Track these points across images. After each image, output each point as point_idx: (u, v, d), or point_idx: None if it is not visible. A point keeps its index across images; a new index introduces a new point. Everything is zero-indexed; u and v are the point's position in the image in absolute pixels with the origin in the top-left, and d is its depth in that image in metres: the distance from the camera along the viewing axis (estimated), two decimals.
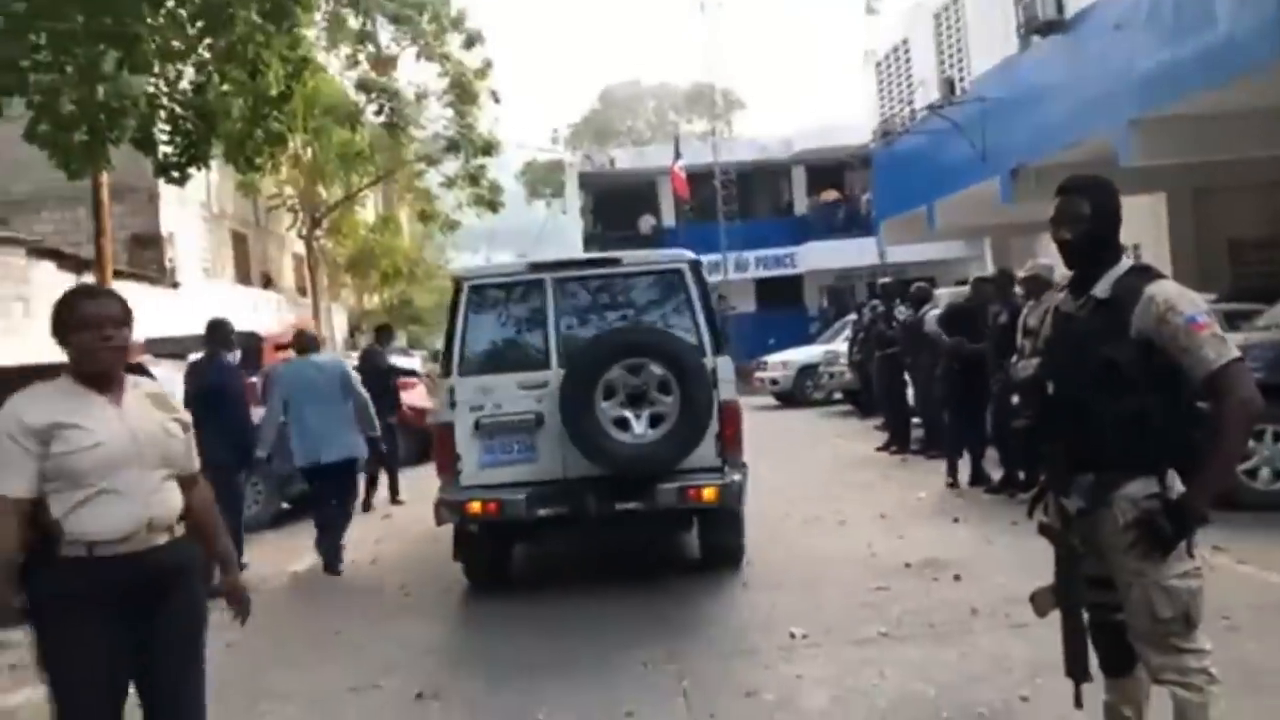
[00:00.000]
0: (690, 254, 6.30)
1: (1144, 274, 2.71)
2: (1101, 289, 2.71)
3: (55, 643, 2.61)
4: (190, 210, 20.18)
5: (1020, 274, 8.07)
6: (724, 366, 5.90)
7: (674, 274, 6.14)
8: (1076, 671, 2.75)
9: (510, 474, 5.82)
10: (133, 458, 2.67)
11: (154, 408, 2.84)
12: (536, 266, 6.30)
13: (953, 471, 8.90)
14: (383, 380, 10.27)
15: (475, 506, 5.72)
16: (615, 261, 6.25)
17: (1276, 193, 14.14)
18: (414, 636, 5.47)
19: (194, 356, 7.97)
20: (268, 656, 5.29)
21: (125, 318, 2.84)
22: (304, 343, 7.96)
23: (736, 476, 5.83)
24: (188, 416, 2.96)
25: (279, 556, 8.17)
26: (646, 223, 30.34)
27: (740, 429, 5.97)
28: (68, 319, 2.80)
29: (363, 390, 7.84)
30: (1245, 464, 6.80)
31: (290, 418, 7.49)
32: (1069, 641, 2.74)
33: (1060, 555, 2.74)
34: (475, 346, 6.16)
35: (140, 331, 12.06)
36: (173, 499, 2.80)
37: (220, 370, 7.23)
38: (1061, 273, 7.74)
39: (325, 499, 7.67)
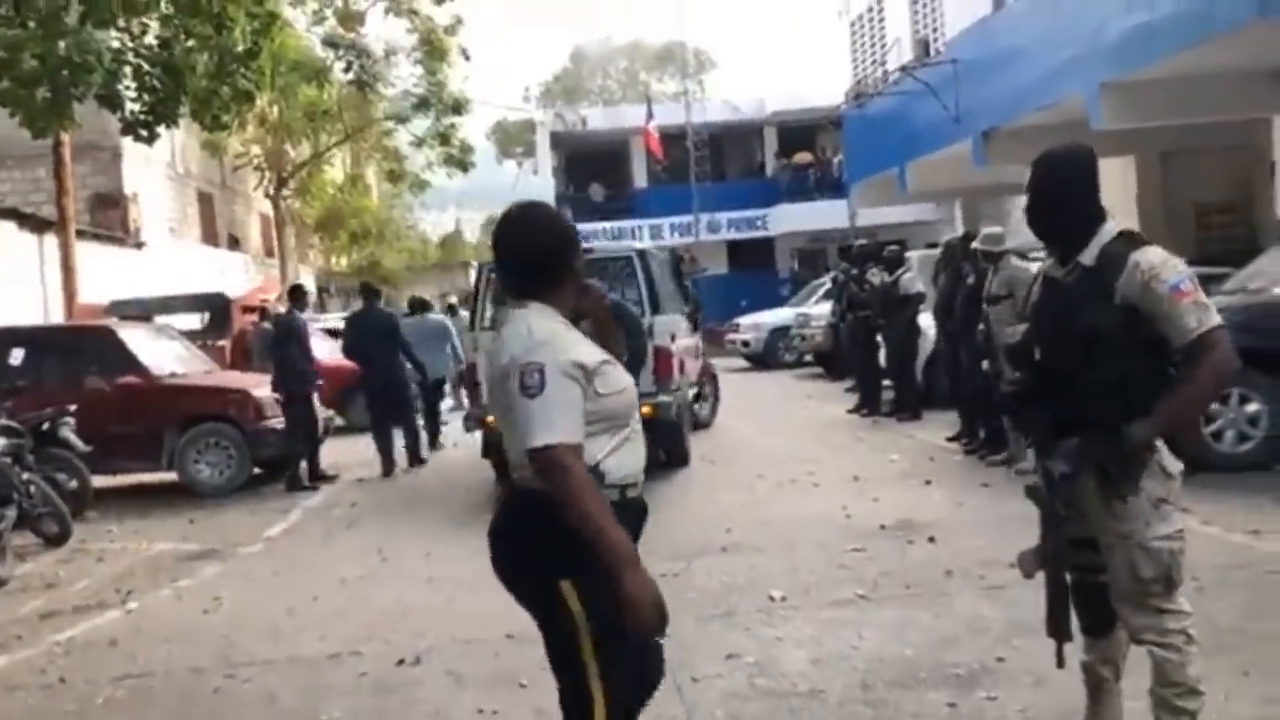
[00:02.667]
0: (639, 245, 9.48)
1: (1130, 240, 2.72)
2: (1088, 256, 2.72)
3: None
4: (155, 169, 19.81)
5: (973, 245, 8.14)
6: (659, 322, 8.53)
7: (627, 259, 8.97)
8: (1058, 631, 2.79)
9: None
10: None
11: None
12: None
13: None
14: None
15: (490, 419, 7.39)
16: (589, 250, 7.60)
17: (1241, 157, 14.26)
18: (393, 601, 5.46)
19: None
20: (243, 623, 5.28)
21: None
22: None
23: (666, 398, 8.26)
24: None
25: (253, 522, 8.12)
26: (598, 191, 30.19)
27: (671, 365, 8.42)
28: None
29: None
30: (1211, 426, 6.93)
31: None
32: (1052, 602, 2.79)
33: (1043, 517, 2.78)
34: (489, 310, 8.73)
35: (104, 293, 11.94)
36: None
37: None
38: (1018, 240, 7.78)
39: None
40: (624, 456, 2.39)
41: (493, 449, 8.14)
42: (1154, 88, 11.21)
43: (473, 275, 10.34)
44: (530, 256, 2.45)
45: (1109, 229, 2.74)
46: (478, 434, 8.65)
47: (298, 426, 9.46)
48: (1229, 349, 2.60)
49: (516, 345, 2.33)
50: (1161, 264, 2.61)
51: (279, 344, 9.61)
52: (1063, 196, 2.76)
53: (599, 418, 2.33)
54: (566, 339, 2.36)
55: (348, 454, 11.45)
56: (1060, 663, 2.78)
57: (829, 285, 15.74)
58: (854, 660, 4.08)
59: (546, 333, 2.33)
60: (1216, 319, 2.59)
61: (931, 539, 5.84)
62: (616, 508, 2.29)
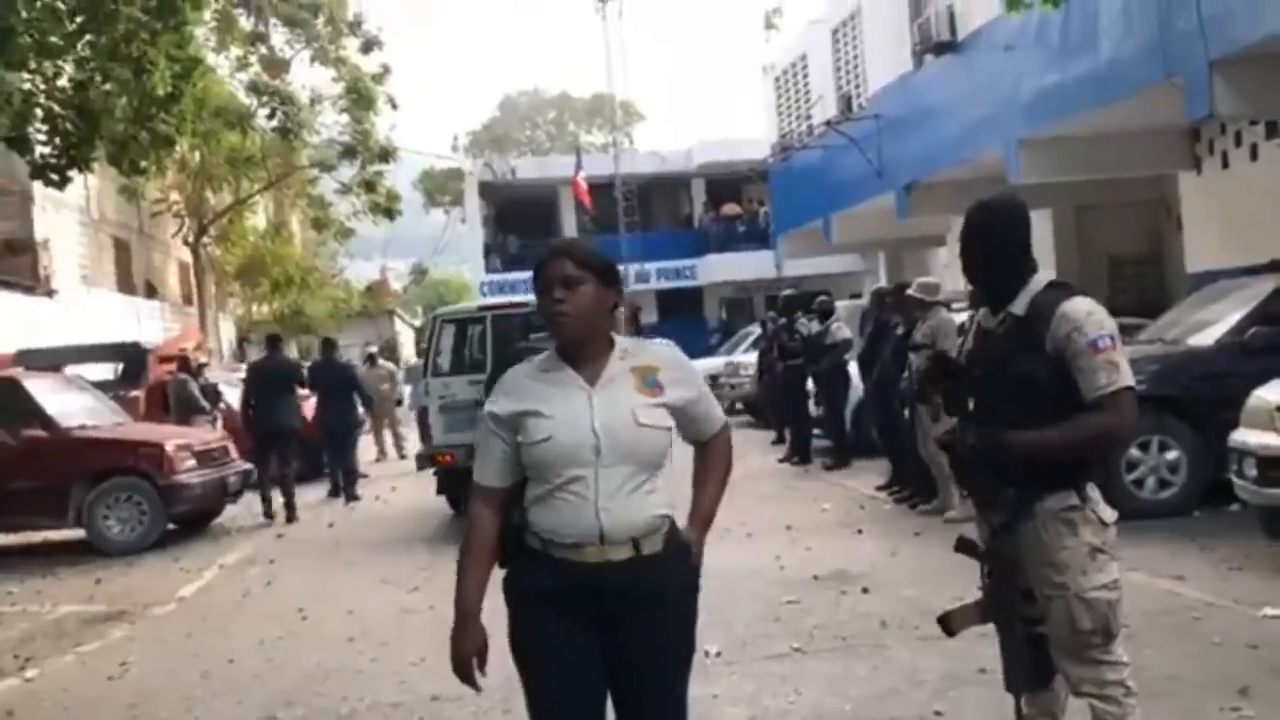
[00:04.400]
0: None
1: (1060, 290, 2.75)
2: (1019, 305, 2.74)
3: None
4: (67, 215, 19.23)
5: (908, 291, 8.27)
6: None
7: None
8: (1017, 683, 2.75)
9: (460, 438, 8.30)
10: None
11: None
12: (482, 309, 10.11)
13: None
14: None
15: (442, 457, 9.01)
16: (528, 304, 8.38)
17: (1152, 210, 14.81)
18: (314, 663, 5.24)
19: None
20: (153, 690, 5.01)
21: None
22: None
23: None
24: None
25: (166, 581, 7.79)
26: (513, 243, 30.45)
27: None
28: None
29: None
30: (1133, 474, 7.05)
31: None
32: (1007, 655, 2.74)
33: (995, 568, 2.74)
34: (441, 358, 9.62)
35: (12, 342, 11.47)
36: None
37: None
38: (948, 289, 7.94)
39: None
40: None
41: (450, 484, 9.10)
42: (1068, 144, 11.61)
43: (401, 325, 12.04)
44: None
45: (1040, 279, 2.76)
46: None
47: (269, 465, 10.46)
48: (1131, 415, 2.61)
49: None
50: (1085, 317, 2.62)
51: (266, 387, 10.60)
52: (995, 246, 2.77)
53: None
54: None
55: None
56: (1019, 716, 2.73)
57: (757, 334, 15.85)
58: (792, 716, 4.00)
59: None
60: (1127, 381, 2.59)
61: (865, 589, 5.81)
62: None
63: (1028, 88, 11.57)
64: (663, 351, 2.49)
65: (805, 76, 20.28)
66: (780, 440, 13.08)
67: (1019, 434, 2.60)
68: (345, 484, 11.86)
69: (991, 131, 12.30)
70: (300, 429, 11.01)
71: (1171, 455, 7.07)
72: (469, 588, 2.34)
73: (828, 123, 17.22)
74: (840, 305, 13.34)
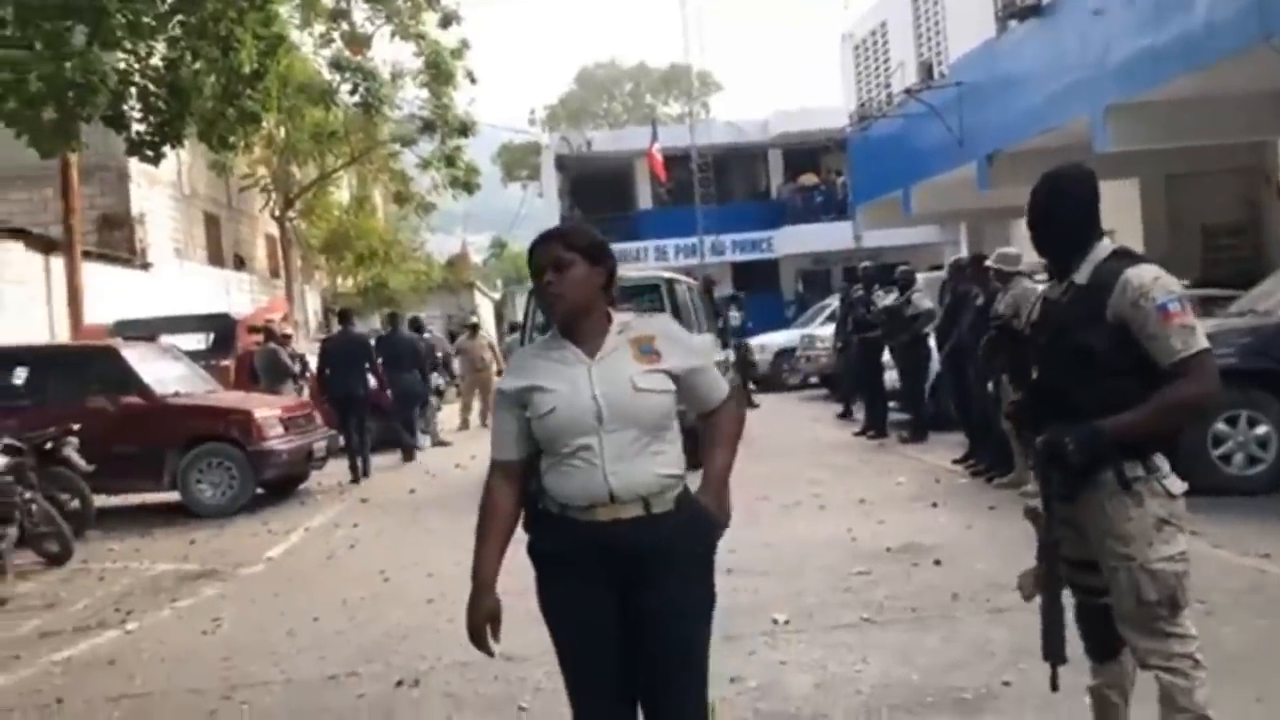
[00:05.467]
0: (667, 274, 10.53)
1: (1124, 258, 2.70)
2: (1082, 275, 2.71)
3: None
4: (161, 190, 19.89)
5: (987, 262, 8.13)
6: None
7: (655, 284, 10.43)
8: (1053, 654, 2.75)
9: None
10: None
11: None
12: None
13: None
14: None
15: None
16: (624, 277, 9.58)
17: (1248, 178, 14.27)
18: (394, 623, 5.42)
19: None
20: (243, 645, 5.24)
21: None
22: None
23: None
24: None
25: (255, 543, 8.09)
26: (589, 217, 30.53)
27: None
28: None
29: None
30: (1220, 448, 6.87)
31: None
32: (1047, 625, 2.75)
33: (1041, 539, 2.74)
34: (537, 329, 10.21)
35: (110, 313, 11.99)
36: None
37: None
38: (1029, 260, 7.83)
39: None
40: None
41: None
42: (1159, 110, 11.23)
43: (481, 298, 12.74)
44: None
45: (1104, 246, 2.72)
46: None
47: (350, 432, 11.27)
48: (1213, 377, 2.57)
49: None
50: (1152, 283, 2.58)
51: (338, 359, 11.57)
52: (1062, 215, 2.75)
53: None
54: None
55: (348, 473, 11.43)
56: (1054, 686, 2.73)
57: (834, 306, 15.71)
58: (858, 684, 4.02)
59: None
60: (1203, 343, 2.55)
61: (938, 562, 5.79)
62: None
63: (1116, 52, 11.21)
64: (660, 323, 2.63)
65: (885, 44, 19.91)
66: (846, 414, 12.98)
67: (1115, 422, 2.55)
68: (403, 445, 12.70)
69: (1078, 98, 11.97)
70: (368, 397, 11.64)
71: (1261, 430, 6.88)
72: (484, 559, 2.49)
73: (908, 90, 16.92)
74: (921, 277, 13.17)
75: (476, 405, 16.78)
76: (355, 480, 11.12)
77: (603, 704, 2.48)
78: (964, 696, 3.80)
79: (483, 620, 2.50)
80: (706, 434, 2.64)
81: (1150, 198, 15.41)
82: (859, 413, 12.49)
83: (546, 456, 2.46)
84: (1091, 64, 11.69)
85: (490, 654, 2.54)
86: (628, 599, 2.44)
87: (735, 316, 16.82)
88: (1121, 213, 15.33)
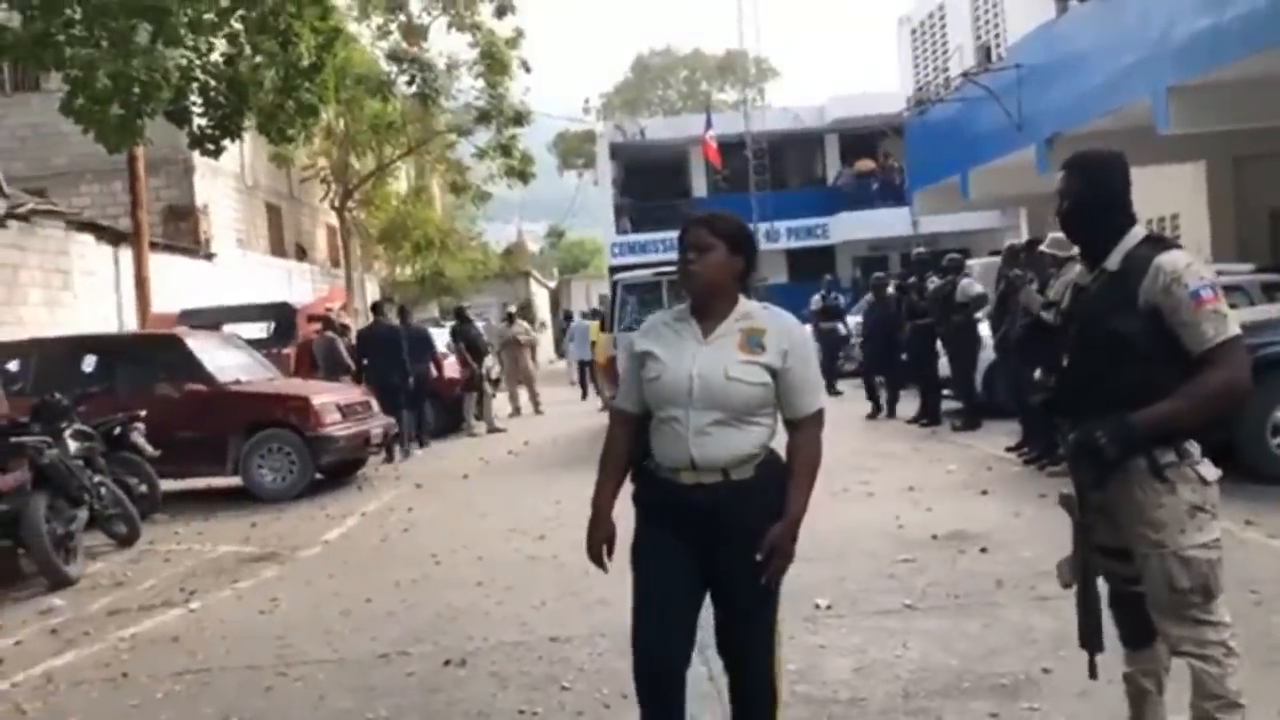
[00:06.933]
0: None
1: (1156, 244, 2.69)
2: (1113, 261, 2.70)
3: None
4: (224, 182, 20.35)
5: (1041, 247, 8.02)
6: None
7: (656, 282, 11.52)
8: (1090, 642, 2.75)
9: None
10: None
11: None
12: (657, 273, 12.14)
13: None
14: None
15: None
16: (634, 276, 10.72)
17: None
18: (443, 604, 5.55)
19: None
20: (299, 624, 5.40)
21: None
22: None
23: None
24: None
25: (313, 526, 8.30)
26: (642, 205, 30.60)
27: None
28: None
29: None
30: (1279, 437, 6.72)
31: None
32: (1082, 613, 2.75)
33: (1075, 526, 2.75)
34: (624, 316, 11.87)
35: (177, 302, 12.30)
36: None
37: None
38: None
39: None
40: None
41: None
42: (1224, 90, 10.95)
43: (536, 287, 13.58)
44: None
45: (1136, 233, 2.71)
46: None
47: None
48: (1240, 365, 2.55)
49: None
50: (1185, 268, 2.57)
51: (374, 349, 12.20)
52: (1089, 200, 2.74)
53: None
54: None
55: (409, 462, 11.65)
56: (1093, 673, 2.74)
57: (869, 296, 15.58)
58: (897, 669, 4.04)
59: None
60: (1234, 330, 2.54)
61: (984, 549, 5.76)
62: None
63: (1180, 31, 10.95)
64: (779, 319, 2.76)
65: (943, 27, 19.64)
66: (877, 410, 12.70)
67: (1147, 414, 2.54)
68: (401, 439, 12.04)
69: (1140, 79, 11.71)
70: (401, 385, 12.19)
71: None
72: (600, 491, 2.87)
73: (965, 74, 16.68)
74: (978, 262, 13.02)
75: (523, 392, 17.05)
76: (389, 460, 11.60)
77: (654, 632, 2.74)
78: (1002, 683, 3.80)
79: (599, 540, 2.86)
80: (789, 455, 2.77)
81: (1217, 181, 15.02)
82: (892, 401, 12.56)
83: (653, 418, 2.75)
84: (1153, 44, 11.43)
85: (604, 569, 2.88)
86: (704, 553, 2.71)
87: None
88: (1187, 196, 15.00)
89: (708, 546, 2.70)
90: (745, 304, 2.76)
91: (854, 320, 17.40)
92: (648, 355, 2.73)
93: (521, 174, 25.51)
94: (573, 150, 45.72)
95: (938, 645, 4.27)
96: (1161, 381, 2.56)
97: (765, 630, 2.80)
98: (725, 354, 2.66)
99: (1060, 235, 7.93)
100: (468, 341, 14.62)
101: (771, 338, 2.67)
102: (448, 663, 4.54)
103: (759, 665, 2.81)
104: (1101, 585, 2.80)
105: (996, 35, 17.11)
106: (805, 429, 2.75)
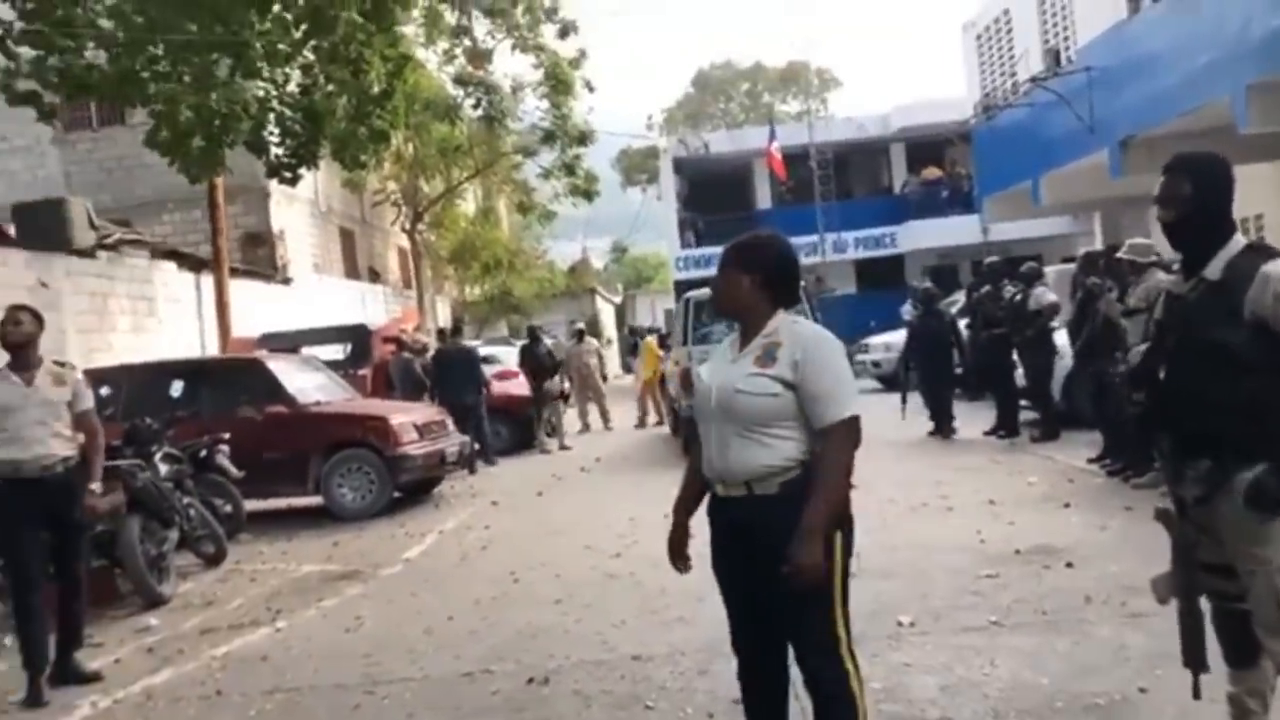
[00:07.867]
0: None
1: (1260, 253, 2.62)
2: (1213, 270, 2.63)
3: None
4: (299, 208, 20.86)
5: (1119, 254, 7.86)
6: None
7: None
8: (1194, 661, 2.69)
9: None
10: None
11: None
12: None
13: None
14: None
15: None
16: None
17: None
18: (524, 622, 5.59)
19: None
20: (383, 642, 5.49)
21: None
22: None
23: None
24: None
25: (393, 544, 8.43)
26: (707, 218, 30.40)
27: None
28: None
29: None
30: None
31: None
32: (1185, 631, 2.68)
33: (1176, 543, 2.68)
34: (695, 329, 12.16)
35: (256, 326, 12.62)
36: None
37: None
38: (1164, 251, 7.45)
39: None
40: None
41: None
42: None
43: (602, 303, 14.15)
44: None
45: (1237, 240, 2.64)
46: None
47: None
48: None
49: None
50: None
51: (447, 369, 12.80)
52: (1191, 206, 2.67)
53: None
54: None
55: (483, 479, 11.80)
56: (1196, 694, 2.67)
57: (961, 303, 15.32)
58: (985, 688, 3.98)
59: None
60: None
61: (1069, 564, 5.64)
62: None
63: (1259, 27, 10.66)
64: (795, 330, 2.77)
65: (1009, 32, 19.35)
66: (937, 429, 12.17)
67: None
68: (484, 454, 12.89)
69: (1217, 78, 11.42)
70: (474, 404, 12.75)
71: None
72: (680, 499, 3.04)
73: (1034, 79, 16.41)
74: (1051, 270, 12.71)
75: (592, 408, 17.13)
76: (471, 472, 11.97)
77: (740, 640, 2.95)
78: (1097, 702, 3.72)
79: (674, 545, 3.05)
80: (815, 462, 2.74)
81: None
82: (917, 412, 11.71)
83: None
84: (1231, 42, 11.14)
85: (680, 571, 3.06)
86: (753, 559, 2.78)
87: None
88: (1269, 197, 14.54)
89: (746, 558, 2.79)
90: (777, 319, 2.80)
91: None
92: (696, 374, 2.92)
93: (586, 192, 25.74)
94: (635, 166, 45.97)
95: (1027, 663, 4.18)
96: (1265, 394, 2.49)
97: (822, 639, 2.75)
98: (742, 368, 2.75)
99: (1141, 241, 7.83)
100: (535, 360, 14.74)
101: (784, 350, 2.70)
102: (531, 681, 4.58)
103: (828, 675, 2.77)
104: (1203, 603, 2.74)
105: (1065, 38, 16.80)
106: (829, 438, 2.69)
